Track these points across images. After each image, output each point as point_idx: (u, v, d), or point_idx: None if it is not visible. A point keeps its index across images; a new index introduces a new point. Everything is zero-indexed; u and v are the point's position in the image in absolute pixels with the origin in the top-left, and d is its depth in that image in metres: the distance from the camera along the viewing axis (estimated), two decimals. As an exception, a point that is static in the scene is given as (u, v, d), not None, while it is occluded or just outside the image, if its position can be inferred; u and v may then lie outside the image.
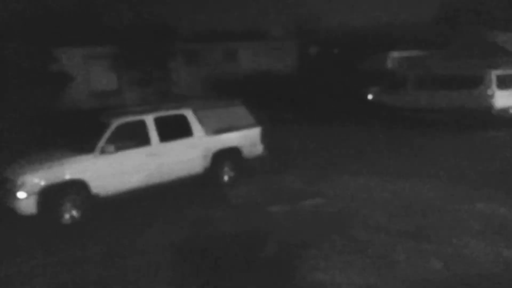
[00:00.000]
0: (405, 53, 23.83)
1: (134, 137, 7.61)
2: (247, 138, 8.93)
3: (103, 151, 7.18)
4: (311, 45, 25.30)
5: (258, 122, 9.14)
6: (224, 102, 9.22)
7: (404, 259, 5.25)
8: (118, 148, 7.29)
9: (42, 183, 6.72)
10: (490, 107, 12.79)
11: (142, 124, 7.71)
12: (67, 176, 6.93)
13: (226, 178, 8.67)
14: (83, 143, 7.41)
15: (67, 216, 6.94)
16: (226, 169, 8.67)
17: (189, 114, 8.25)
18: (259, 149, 9.07)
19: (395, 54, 23.87)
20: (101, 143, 7.21)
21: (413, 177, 8.45)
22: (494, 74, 12.86)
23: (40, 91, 11.78)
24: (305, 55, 24.06)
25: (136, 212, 7.35)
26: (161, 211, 7.34)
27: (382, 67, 22.22)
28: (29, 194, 6.62)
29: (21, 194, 6.60)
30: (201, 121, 8.32)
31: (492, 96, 12.76)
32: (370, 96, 16.19)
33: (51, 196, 6.75)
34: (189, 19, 18.11)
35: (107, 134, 7.29)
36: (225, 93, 11.62)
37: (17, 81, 11.18)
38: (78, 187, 7.00)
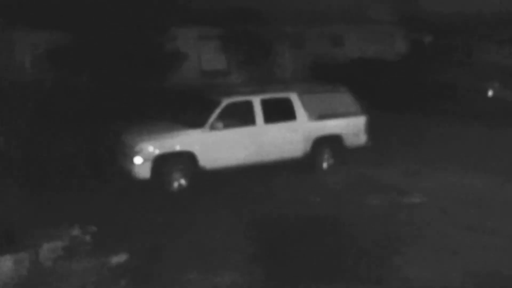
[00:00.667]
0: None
1: (241, 116, 7.92)
2: (350, 127, 8.78)
3: (212, 127, 7.61)
4: (424, 32, 23.64)
5: (363, 110, 8.92)
6: (329, 88, 9.13)
7: (498, 259, 4.86)
8: (226, 126, 7.68)
9: (157, 151, 7.36)
10: None
11: (249, 105, 7.99)
12: (179, 147, 7.50)
13: (325, 165, 8.65)
14: (194, 118, 7.92)
15: (175, 184, 7.55)
16: (325, 156, 8.65)
17: (294, 98, 8.33)
18: (362, 138, 8.86)
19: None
20: (211, 119, 7.65)
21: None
22: None
23: (158, 68, 12.77)
24: (417, 42, 22.58)
25: (235, 187, 7.70)
26: (259, 190, 7.59)
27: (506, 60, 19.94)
28: (144, 160, 7.29)
29: (137, 160, 7.29)
30: (305, 105, 8.36)
31: None
32: (490, 92, 14.75)
33: (163, 164, 7.38)
34: (295, 2, 17.90)
35: (217, 112, 7.70)
36: (329, 79, 11.43)
37: (139, 58, 12.18)
38: (187, 158, 7.55)
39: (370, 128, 8.94)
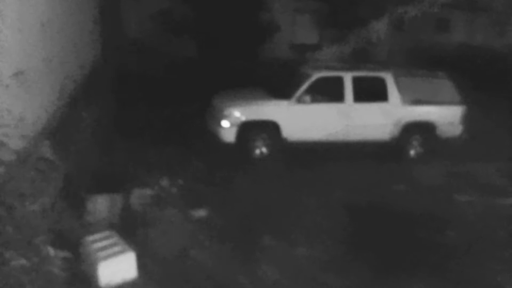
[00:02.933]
0: None
1: (330, 92, 7.76)
2: (445, 115, 8.20)
3: (299, 100, 7.56)
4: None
5: (462, 100, 8.27)
6: (428, 73, 8.55)
7: None
8: (313, 100, 7.58)
9: (243, 118, 7.52)
10: None
11: (339, 81, 7.78)
12: (264, 116, 7.58)
13: (412, 153, 8.23)
14: (283, 90, 7.92)
15: (257, 151, 7.68)
16: (414, 143, 8.21)
17: (388, 78, 7.95)
18: (457, 129, 8.25)
19: None
20: (299, 92, 7.59)
21: None
22: None
23: (251, 39, 12.91)
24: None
25: (316, 166, 7.64)
26: (341, 172, 7.45)
27: None
28: (231, 125, 7.49)
29: (225, 123, 7.51)
30: (399, 88, 7.94)
31: None
32: None
33: (248, 130, 7.54)
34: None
35: (306, 85, 7.62)
36: (430, 64, 10.72)
37: (232, 27, 12.38)
38: (271, 127, 7.61)
39: (467, 120, 8.30)
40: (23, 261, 3.40)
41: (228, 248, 4.89)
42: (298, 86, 7.70)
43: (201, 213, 5.51)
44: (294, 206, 6.00)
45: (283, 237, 5.16)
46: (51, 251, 3.64)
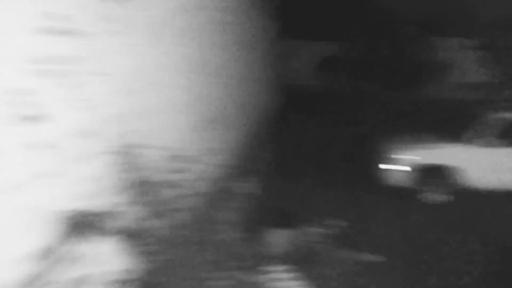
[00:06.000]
0: None
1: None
2: None
3: (482, 142, 6.95)
4: None
5: None
6: None
7: None
8: (498, 142, 6.88)
9: (419, 161, 7.15)
10: None
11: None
12: (442, 161, 7.10)
13: None
14: (459, 131, 7.37)
15: (434, 197, 7.16)
16: None
17: None
18: None
19: None
20: (481, 134, 6.99)
21: None
22: None
23: (415, 78, 12.50)
24: None
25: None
26: None
27: None
28: (405, 168, 7.17)
29: (397, 167, 7.23)
30: None
31: None
32: None
33: (423, 175, 7.11)
34: None
35: (489, 126, 6.98)
36: None
37: (397, 66, 12.20)
38: (449, 172, 7.07)
39: None
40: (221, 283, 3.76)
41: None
42: (478, 127, 7.09)
43: (374, 257, 5.34)
44: (471, 254, 5.39)
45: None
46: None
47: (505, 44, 14.64)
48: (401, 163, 7.19)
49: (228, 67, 5.56)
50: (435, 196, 7.15)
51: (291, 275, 4.55)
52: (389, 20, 12.14)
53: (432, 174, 7.12)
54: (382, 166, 7.50)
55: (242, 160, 5.56)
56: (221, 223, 4.55)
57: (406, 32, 12.64)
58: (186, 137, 4.26)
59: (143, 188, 3.25)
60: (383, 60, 12.10)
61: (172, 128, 4.04)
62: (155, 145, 3.50)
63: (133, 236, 3.07)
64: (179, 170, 3.70)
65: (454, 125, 7.88)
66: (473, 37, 15.12)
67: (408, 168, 7.13)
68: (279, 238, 5.28)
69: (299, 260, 5.14)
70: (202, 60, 4.63)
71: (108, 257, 2.87)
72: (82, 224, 2.65)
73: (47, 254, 2.34)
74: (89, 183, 2.79)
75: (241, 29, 6.81)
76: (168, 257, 3.40)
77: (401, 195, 7.25)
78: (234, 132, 5.51)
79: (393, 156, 7.30)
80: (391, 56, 12.47)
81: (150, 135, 3.56)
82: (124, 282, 2.94)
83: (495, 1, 16.14)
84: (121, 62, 3.15)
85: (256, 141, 6.54)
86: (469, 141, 7.02)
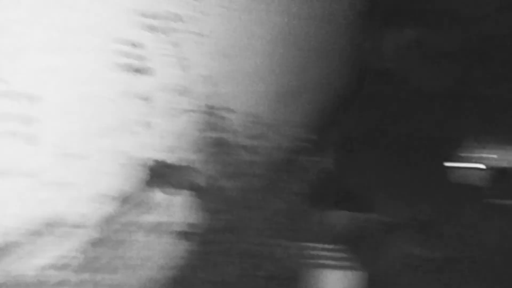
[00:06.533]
0: None
1: None
2: None
3: None
4: None
5: None
6: None
7: None
8: None
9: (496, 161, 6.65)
10: None
11: None
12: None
13: None
14: None
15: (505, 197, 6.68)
16: None
17: None
18: None
19: None
20: None
21: None
22: None
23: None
24: None
25: None
26: None
27: None
28: (487, 168, 6.70)
29: (480, 165, 6.76)
30: None
31: None
32: None
33: (501, 174, 6.63)
34: None
35: None
36: None
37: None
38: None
39: None
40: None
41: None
42: None
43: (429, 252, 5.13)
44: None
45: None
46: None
47: None
48: (476, 161, 6.78)
49: (314, 40, 5.42)
50: (506, 198, 6.68)
51: (344, 255, 4.54)
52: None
53: (506, 175, 6.65)
54: (457, 162, 7.12)
55: (319, 135, 5.51)
56: (288, 194, 4.61)
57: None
58: (268, 105, 4.29)
59: (220, 149, 3.36)
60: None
61: (255, 95, 4.09)
62: (238, 110, 3.57)
63: (203, 193, 3.21)
64: (257, 136, 3.76)
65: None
66: None
67: (482, 166, 6.71)
68: (339, 219, 5.24)
69: (354, 244, 5.10)
70: (291, 31, 4.55)
71: (177, 209, 3.04)
72: (160, 175, 2.82)
73: (126, 198, 2.54)
74: (172, 137, 2.93)
75: (331, 4, 6.58)
76: (232, 218, 3.53)
77: (471, 194, 6.86)
78: (314, 106, 5.44)
79: (469, 153, 6.88)
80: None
81: (234, 99, 3.62)
82: (187, 235, 3.12)
83: None
84: (218, 26, 3.19)
85: (334, 118, 6.41)
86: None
